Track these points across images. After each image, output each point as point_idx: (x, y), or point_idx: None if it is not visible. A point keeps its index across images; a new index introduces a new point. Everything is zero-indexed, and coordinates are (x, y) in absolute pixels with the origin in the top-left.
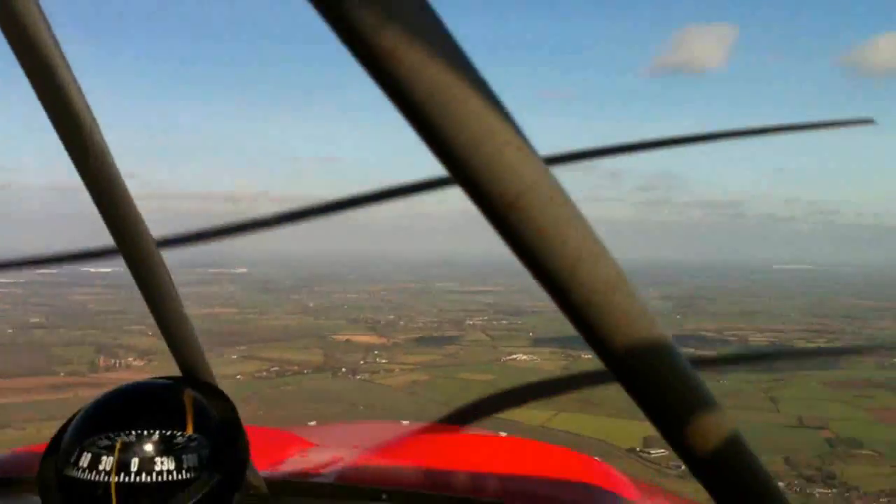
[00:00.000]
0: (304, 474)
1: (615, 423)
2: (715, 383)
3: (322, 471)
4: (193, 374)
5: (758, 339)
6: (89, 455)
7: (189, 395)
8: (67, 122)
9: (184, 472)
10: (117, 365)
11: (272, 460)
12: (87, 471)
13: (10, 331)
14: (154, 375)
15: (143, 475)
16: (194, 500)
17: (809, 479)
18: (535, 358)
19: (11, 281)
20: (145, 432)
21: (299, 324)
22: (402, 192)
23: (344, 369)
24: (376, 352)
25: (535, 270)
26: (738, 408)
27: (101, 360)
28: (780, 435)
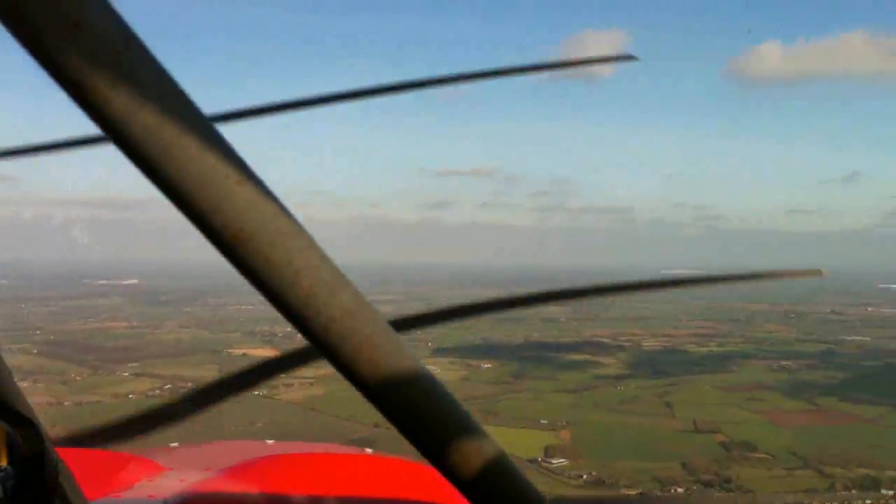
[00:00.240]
0: (140, 500)
1: (516, 434)
2: (612, 389)
3: (160, 496)
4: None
5: (651, 344)
6: None
7: None
8: None
9: None
10: None
11: (113, 486)
12: None
13: None
14: None
15: None
16: None
17: (707, 484)
18: (435, 368)
19: None
20: None
21: (193, 338)
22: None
23: None
24: None
25: (272, 301)
26: (636, 414)
27: None
28: (677, 440)
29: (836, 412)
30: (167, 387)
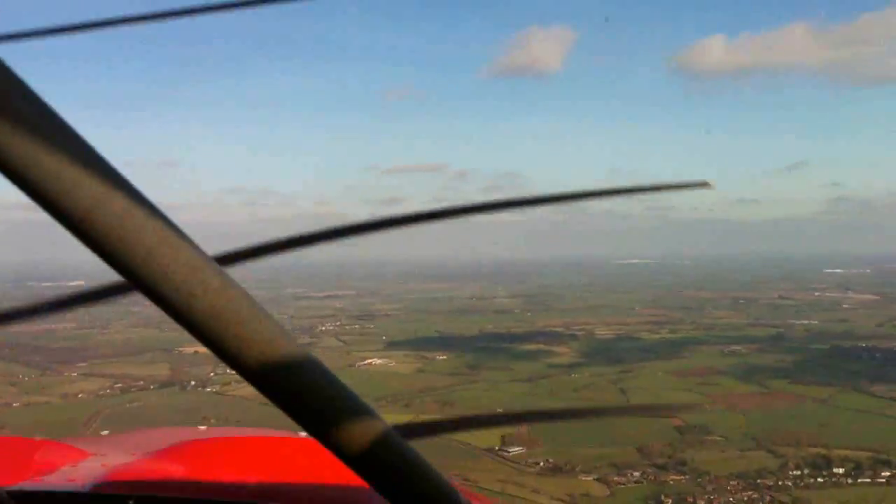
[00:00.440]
0: (59, 485)
1: None
2: (567, 377)
3: (79, 481)
4: None
5: (604, 333)
6: None
7: None
8: None
9: None
10: None
11: (34, 472)
12: None
13: None
14: None
15: None
16: None
17: (662, 468)
18: (389, 362)
19: None
20: None
21: (142, 337)
22: None
23: (193, 382)
24: None
25: (128, 279)
26: (591, 401)
27: None
28: (632, 426)
29: (787, 394)
30: (117, 385)
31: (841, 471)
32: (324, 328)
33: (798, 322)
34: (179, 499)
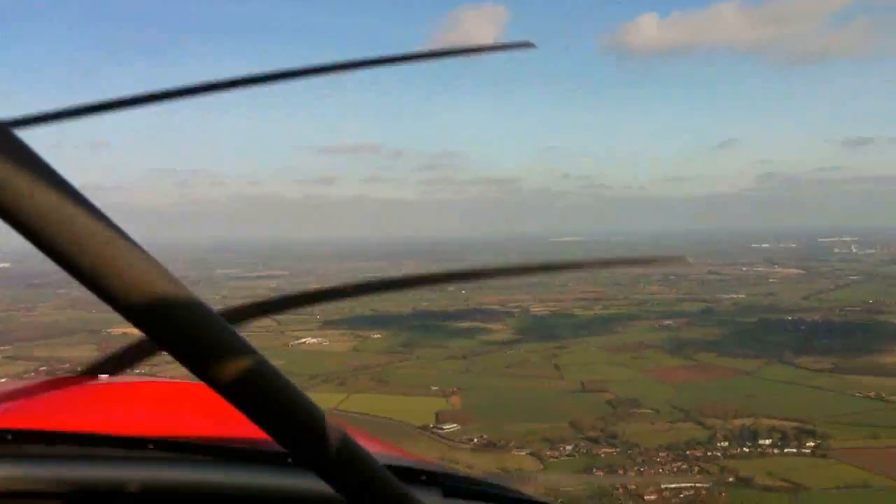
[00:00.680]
0: None
1: (407, 401)
2: (502, 354)
3: None
4: None
5: (539, 309)
6: None
7: None
8: None
9: None
10: None
11: None
12: None
13: None
14: None
15: None
16: None
17: (594, 441)
18: (324, 341)
19: None
20: None
21: (70, 318)
22: None
23: None
24: None
25: (62, 267)
26: (525, 377)
27: None
28: (565, 400)
29: (715, 366)
30: (42, 368)
31: (767, 441)
32: None
33: (726, 296)
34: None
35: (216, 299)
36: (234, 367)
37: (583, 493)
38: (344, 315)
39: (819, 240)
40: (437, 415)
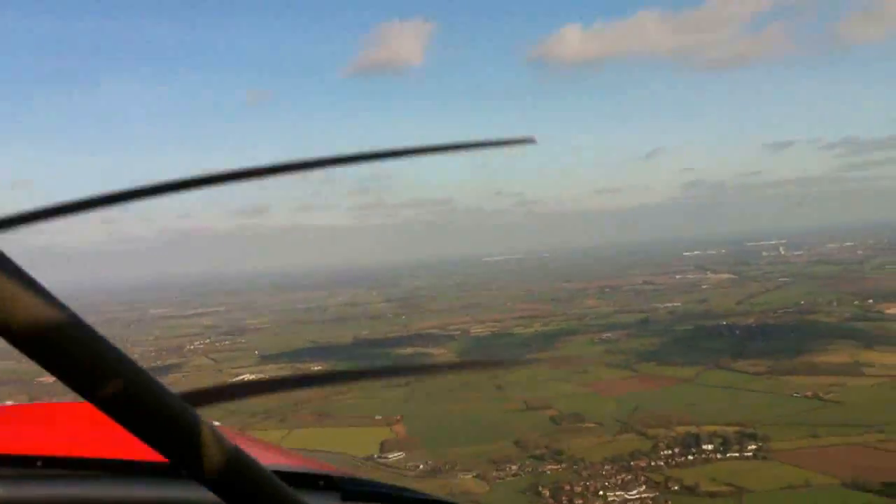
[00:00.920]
0: None
1: (351, 433)
2: (445, 379)
3: None
4: None
5: (479, 330)
6: None
7: None
8: None
9: None
10: None
11: None
12: None
13: None
14: None
15: None
16: None
17: (539, 458)
18: (263, 376)
19: None
20: None
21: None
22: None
23: None
24: None
25: None
26: (468, 400)
27: None
28: (509, 420)
29: (656, 376)
30: None
31: (710, 447)
32: (192, 347)
33: (662, 305)
34: None
35: (149, 340)
36: (115, 384)
37: None
38: (282, 348)
39: (747, 244)
40: (381, 444)
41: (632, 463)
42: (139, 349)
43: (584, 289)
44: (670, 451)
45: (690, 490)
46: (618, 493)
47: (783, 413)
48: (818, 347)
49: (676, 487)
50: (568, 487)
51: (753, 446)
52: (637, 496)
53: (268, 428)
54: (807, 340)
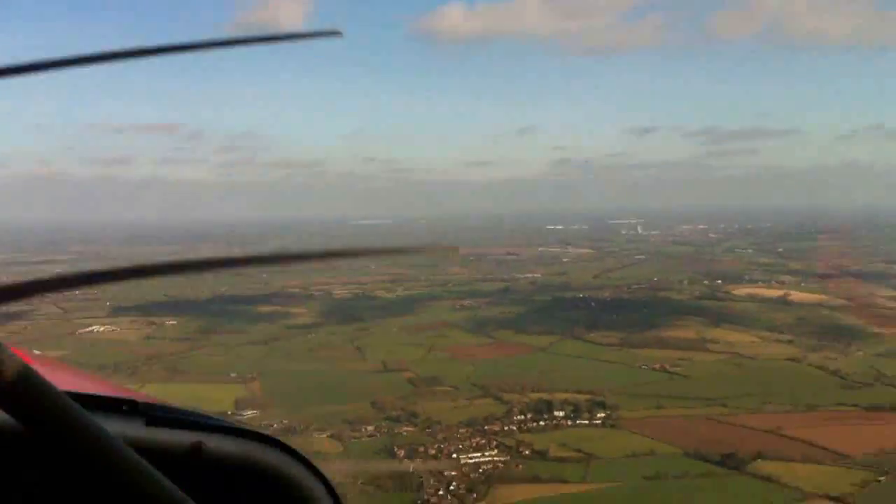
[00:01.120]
0: None
1: (204, 389)
2: (303, 338)
3: None
4: None
5: (342, 292)
6: None
7: None
8: None
9: None
10: None
11: None
12: None
13: None
14: None
15: None
16: None
17: (395, 420)
18: (114, 328)
19: None
20: None
21: None
22: None
23: None
24: None
25: None
26: (327, 360)
27: None
28: (366, 382)
29: (513, 343)
30: None
31: (561, 413)
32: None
33: (523, 276)
34: None
35: None
36: None
37: (384, 473)
38: (136, 301)
39: (609, 221)
40: (236, 402)
41: (486, 427)
42: None
43: (449, 257)
44: (523, 417)
45: (541, 455)
46: (471, 455)
47: (632, 384)
48: (668, 323)
49: (527, 452)
50: (422, 449)
51: (602, 414)
52: (489, 459)
53: (117, 382)
54: (658, 316)
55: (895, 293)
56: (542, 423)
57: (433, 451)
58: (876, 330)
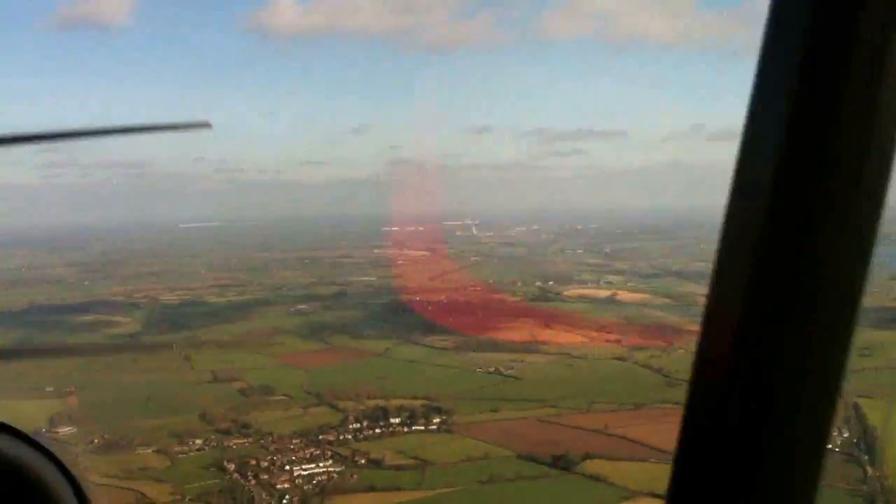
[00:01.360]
0: None
1: (16, 406)
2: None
3: None
4: None
5: (169, 299)
6: None
7: None
8: None
9: None
10: None
11: None
12: None
13: None
14: None
15: None
16: None
17: (226, 432)
18: None
19: None
20: None
21: None
22: None
23: None
24: None
25: None
26: (152, 370)
27: None
28: (195, 392)
29: (349, 349)
30: None
31: (397, 420)
32: None
33: (359, 279)
34: None
35: None
36: None
37: (214, 487)
38: None
39: (445, 223)
40: (51, 418)
41: (320, 437)
42: None
43: (283, 259)
44: (359, 425)
45: (377, 464)
46: (305, 467)
47: (467, 388)
48: (502, 325)
49: (363, 461)
50: (254, 462)
51: (438, 419)
52: (324, 470)
53: None
54: (492, 318)
55: None
56: (378, 430)
57: (265, 464)
58: (697, 328)
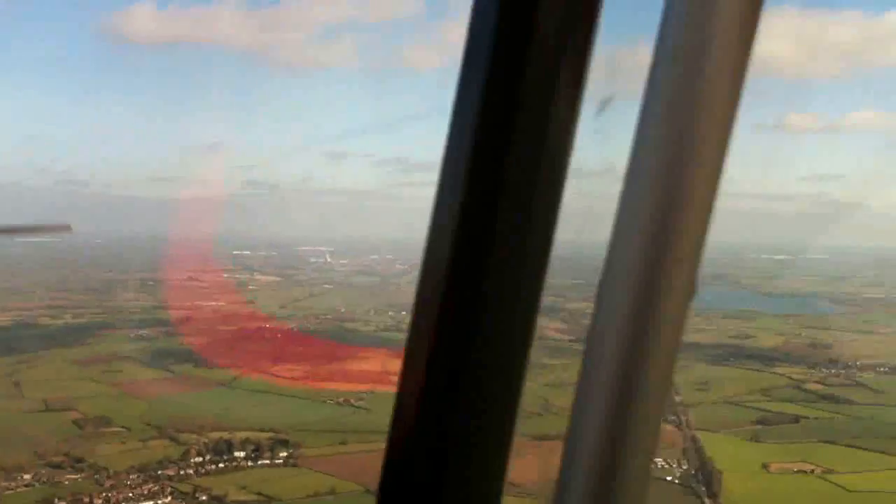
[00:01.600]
0: None
1: None
2: None
3: None
4: None
5: (2, 319)
6: None
7: None
8: None
9: None
10: None
11: None
12: None
13: None
14: None
15: None
16: None
17: (57, 467)
18: None
19: None
20: None
21: None
22: None
23: None
24: None
25: None
26: None
27: None
28: (25, 423)
29: (193, 378)
30: None
31: (242, 454)
32: None
33: (206, 304)
34: None
35: None
36: None
37: None
38: None
39: (297, 248)
40: None
41: (160, 472)
42: None
43: (125, 280)
44: (201, 459)
45: (219, 500)
46: None
47: (316, 419)
48: (354, 355)
49: (205, 498)
50: (87, 500)
51: (285, 453)
52: None
53: None
54: (344, 347)
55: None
56: (221, 465)
57: (99, 502)
58: (546, 361)
